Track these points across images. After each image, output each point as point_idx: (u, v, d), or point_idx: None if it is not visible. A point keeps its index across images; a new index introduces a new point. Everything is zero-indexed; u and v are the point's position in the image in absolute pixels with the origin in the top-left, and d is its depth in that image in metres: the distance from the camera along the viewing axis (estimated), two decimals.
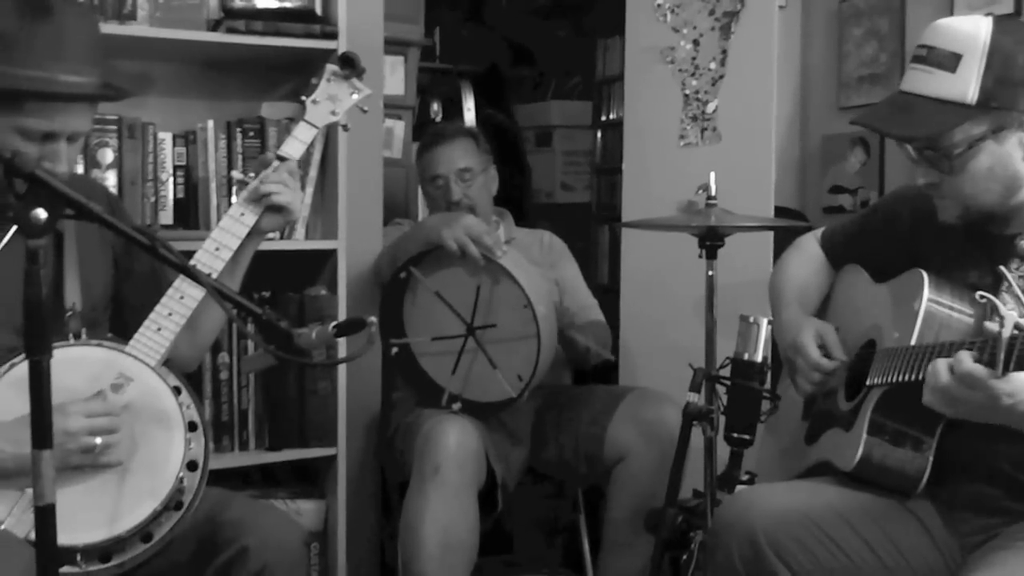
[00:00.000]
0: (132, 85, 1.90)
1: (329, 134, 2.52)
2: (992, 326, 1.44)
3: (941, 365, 1.51)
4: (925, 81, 1.68)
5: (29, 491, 1.61)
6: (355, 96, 2.07)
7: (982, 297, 1.54)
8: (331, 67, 2.07)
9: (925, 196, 1.79)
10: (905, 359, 1.66)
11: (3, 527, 1.66)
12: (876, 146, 3.09)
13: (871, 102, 2.98)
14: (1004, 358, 1.42)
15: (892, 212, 1.97)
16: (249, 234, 1.94)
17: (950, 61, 1.65)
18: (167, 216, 2.47)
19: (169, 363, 1.86)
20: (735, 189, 2.58)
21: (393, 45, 3.37)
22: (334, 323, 1.63)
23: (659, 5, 3.15)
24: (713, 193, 2.30)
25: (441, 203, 2.81)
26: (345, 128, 2.13)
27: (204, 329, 2.02)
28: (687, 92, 3.11)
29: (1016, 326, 1.41)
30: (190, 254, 1.82)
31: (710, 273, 2.29)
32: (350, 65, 2.06)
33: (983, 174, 1.68)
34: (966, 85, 1.64)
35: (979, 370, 1.45)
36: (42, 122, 1.73)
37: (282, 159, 1.99)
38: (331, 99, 2.05)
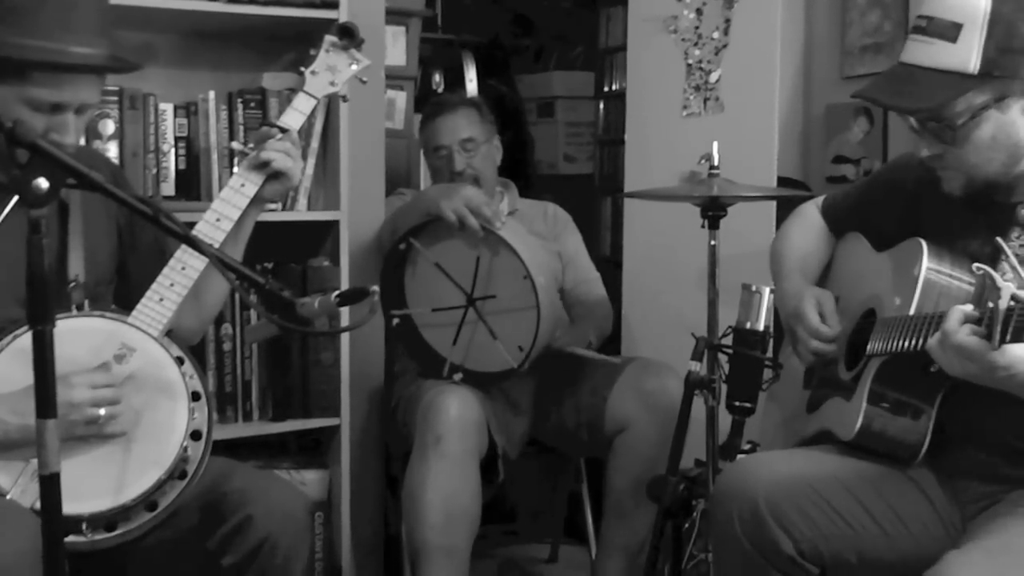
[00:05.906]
0: (138, 56, 1.89)
1: (330, 105, 2.51)
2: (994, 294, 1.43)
3: (955, 317, 1.48)
4: (926, 52, 1.67)
5: (34, 461, 1.61)
6: (354, 67, 2.06)
7: (978, 268, 1.53)
8: (329, 38, 2.06)
9: (928, 165, 1.79)
10: (905, 328, 1.66)
11: (9, 497, 1.67)
12: (879, 116, 3.07)
13: (875, 71, 2.96)
14: (1001, 330, 1.41)
15: (894, 180, 1.96)
16: (250, 204, 1.94)
17: (951, 31, 1.63)
18: (168, 187, 2.47)
19: (172, 335, 1.86)
20: (738, 159, 2.57)
21: (394, 15, 3.35)
22: (336, 292, 1.64)
23: None
24: (716, 163, 2.30)
25: (444, 174, 2.81)
26: (344, 99, 2.12)
27: (208, 300, 2.02)
28: (690, 62, 3.09)
29: (1013, 297, 1.41)
30: (191, 225, 1.81)
31: (712, 243, 2.29)
32: (348, 35, 2.05)
33: (987, 143, 1.67)
34: (967, 55, 1.62)
35: (975, 343, 1.45)
36: (51, 93, 1.72)
37: (282, 130, 1.98)
38: (330, 70, 2.04)
